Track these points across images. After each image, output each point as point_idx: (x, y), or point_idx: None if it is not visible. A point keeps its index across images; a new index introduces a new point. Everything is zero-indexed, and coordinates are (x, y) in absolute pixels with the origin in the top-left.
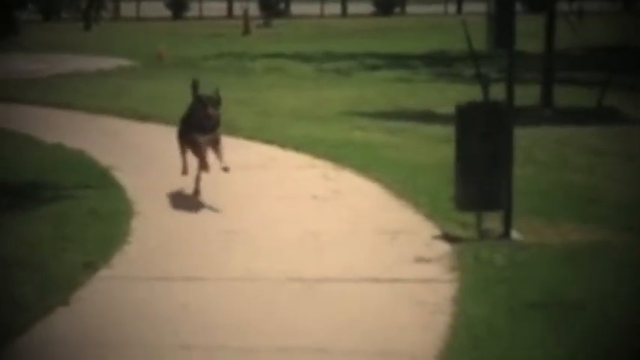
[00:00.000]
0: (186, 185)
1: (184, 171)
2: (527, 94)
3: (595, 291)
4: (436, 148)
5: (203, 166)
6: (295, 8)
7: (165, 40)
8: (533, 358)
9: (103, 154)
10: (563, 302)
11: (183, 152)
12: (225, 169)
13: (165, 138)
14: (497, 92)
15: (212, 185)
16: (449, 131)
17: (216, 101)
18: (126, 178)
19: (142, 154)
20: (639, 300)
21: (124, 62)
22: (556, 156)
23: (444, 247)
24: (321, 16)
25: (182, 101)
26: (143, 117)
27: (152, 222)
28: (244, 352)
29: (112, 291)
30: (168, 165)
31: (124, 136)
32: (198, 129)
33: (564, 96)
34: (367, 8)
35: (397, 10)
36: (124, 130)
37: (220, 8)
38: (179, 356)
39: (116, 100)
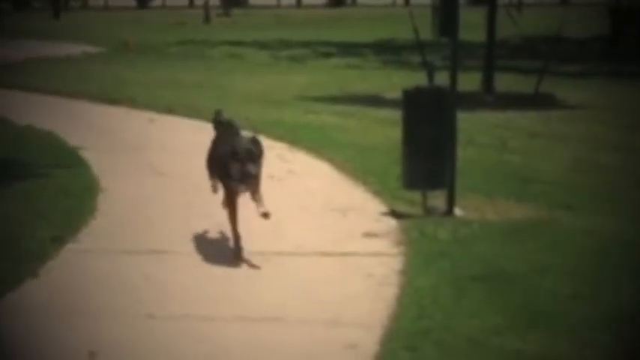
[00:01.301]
0: (152, 163)
1: (214, 190)
2: (469, 81)
3: (532, 264)
4: (384, 131)
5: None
6: None
7: (131, 28)
8: (474, 327)
9: (71, 135)
10: (502, 274)
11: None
12: (265, 215)
13: (130, 120)
14: (442, 78)
15: (174, 164)
16: (396, 115)
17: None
18: (93, 157)
19: (109, 135)
20: (573, 272)
21: (92, 49)
22: (496, 138)
23: (391, 222)
24: (278, 6)
25: (146, 85)
26: (110, 100)
27: (117, 198)
28: (204, 320)
29: (78, 263)
30: (133, 145)
31: (92, 118)
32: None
33: (504, 82)
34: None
35: (349, 1)
36: (91, 113)
37: None
38: (143, 324)
39: (84, 84)
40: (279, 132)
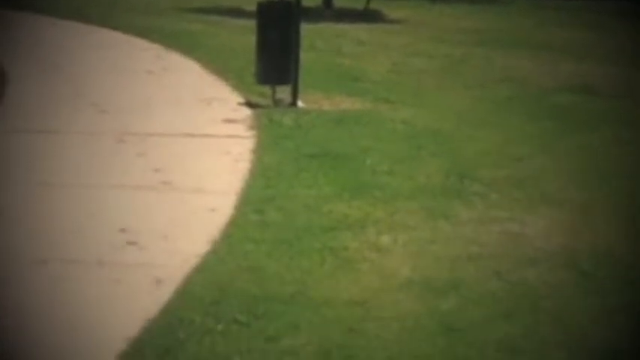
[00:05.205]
0: (51, 59)
1: None
2: None
3: (357, 146)
4: (243, 37)
5: None
6: None
7: None
8: (310, 195)
9: None
10: (334, 154)
11: None
12: None
13: (34, 25)
14: None
15: (68, 60)
16: (254, 24)
17: None
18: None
19: (15, 37)
20: (390, 153)
21: None
22: (332, 45)
23: (246, 111)
24: None
25: None
26: (16, 7)
27: (20, 87)
28: (90, 187)
29: None
30: (36, 44)
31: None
32: None
33: (340, 0)
34: None
35: None
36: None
37: None
38: (39, 190)
39: None
40: (156, 36)
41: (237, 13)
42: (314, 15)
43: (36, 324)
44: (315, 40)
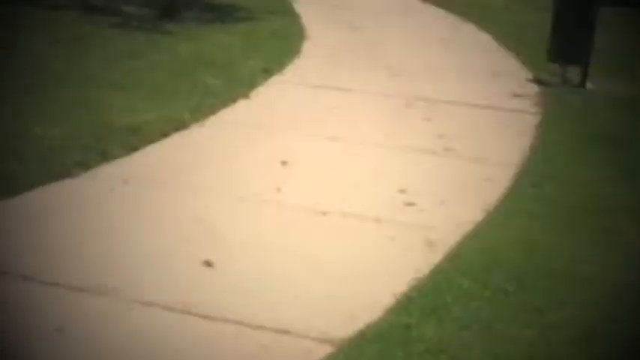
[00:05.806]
0: (350, 20)
1: None
2: None
3: None
4: (538, 13)
5: None
6: None
7: None
8: (589, 175)
9: None
10: (616, 137)
11: None
12: None
13: None
14: None
15: (366, 21)
16: (549, 1)
17: None
18: (302, 8)
19: None
20: None
21: None
22: (630, 31)
23: (534, 87)
24: None
25: None
26: None
27: (319, 45)
28: (374, 146)
29: (281, 91)
30: (336, 3)
31: None
32: None
33: None
34: None
35: None
36: None
37: None
38: (325, 144)
39: None
40: (452, 6)
41: None
42: None
43: (310, 267)
44: (612, 24)
